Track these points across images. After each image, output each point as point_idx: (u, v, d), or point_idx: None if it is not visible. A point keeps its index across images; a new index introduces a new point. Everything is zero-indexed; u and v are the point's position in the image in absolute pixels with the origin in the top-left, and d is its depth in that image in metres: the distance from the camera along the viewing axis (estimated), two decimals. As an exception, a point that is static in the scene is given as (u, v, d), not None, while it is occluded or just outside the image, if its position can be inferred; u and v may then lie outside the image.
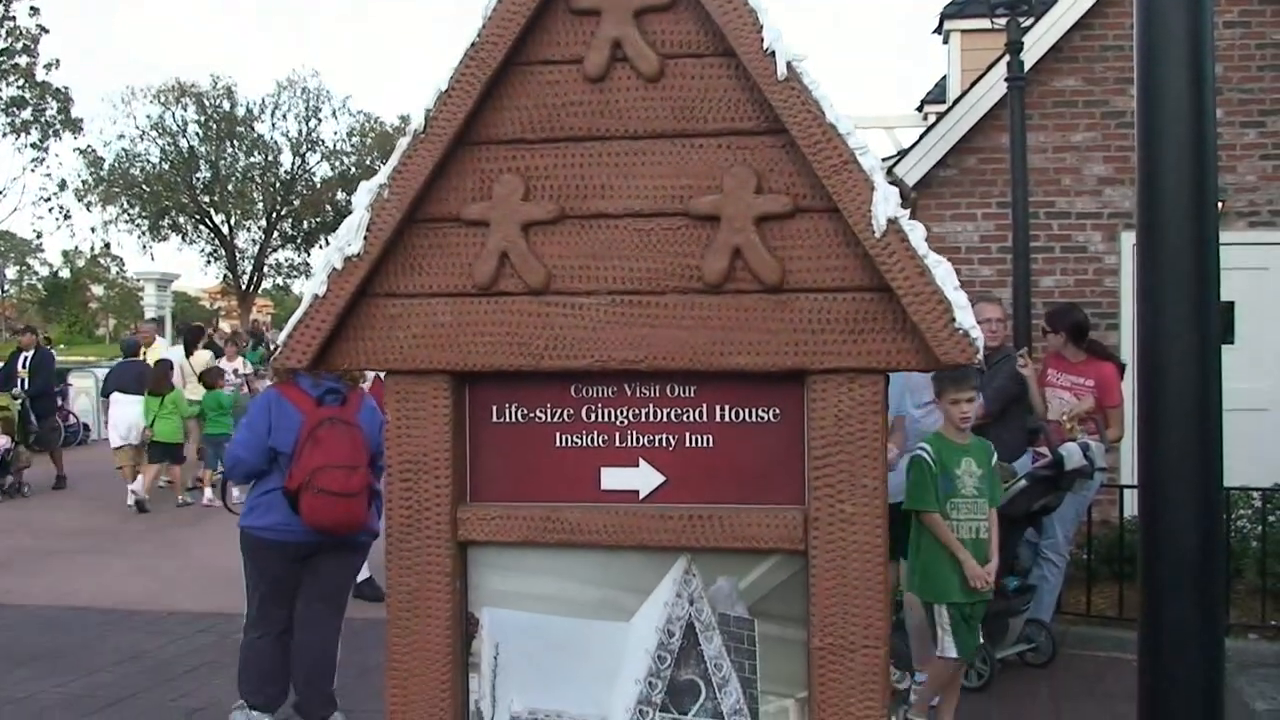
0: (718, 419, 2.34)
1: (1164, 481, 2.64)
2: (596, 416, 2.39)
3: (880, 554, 2.23)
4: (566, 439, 2.40)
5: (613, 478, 2.38)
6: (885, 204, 2.12)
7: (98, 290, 63.27)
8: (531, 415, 2.41)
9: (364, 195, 2.33)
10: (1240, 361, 9.56)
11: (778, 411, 2.32)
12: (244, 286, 45.38)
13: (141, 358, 16.28)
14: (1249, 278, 9.76)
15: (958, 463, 5.98)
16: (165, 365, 15.30)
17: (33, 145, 37.64)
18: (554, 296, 2.31)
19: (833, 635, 2.24)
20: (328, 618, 6.21)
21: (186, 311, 57.32)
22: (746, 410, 2.33)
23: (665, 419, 2.36)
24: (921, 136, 10.57)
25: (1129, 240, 9.89)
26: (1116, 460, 9.34)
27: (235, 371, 17.52)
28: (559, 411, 2.40)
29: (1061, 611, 8.30)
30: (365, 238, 2.32)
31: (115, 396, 14.94)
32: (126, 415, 14.76)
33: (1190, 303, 2.62)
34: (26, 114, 36.95)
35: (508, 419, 2.42)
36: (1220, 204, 9.33)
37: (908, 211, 2.18)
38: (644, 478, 2.36)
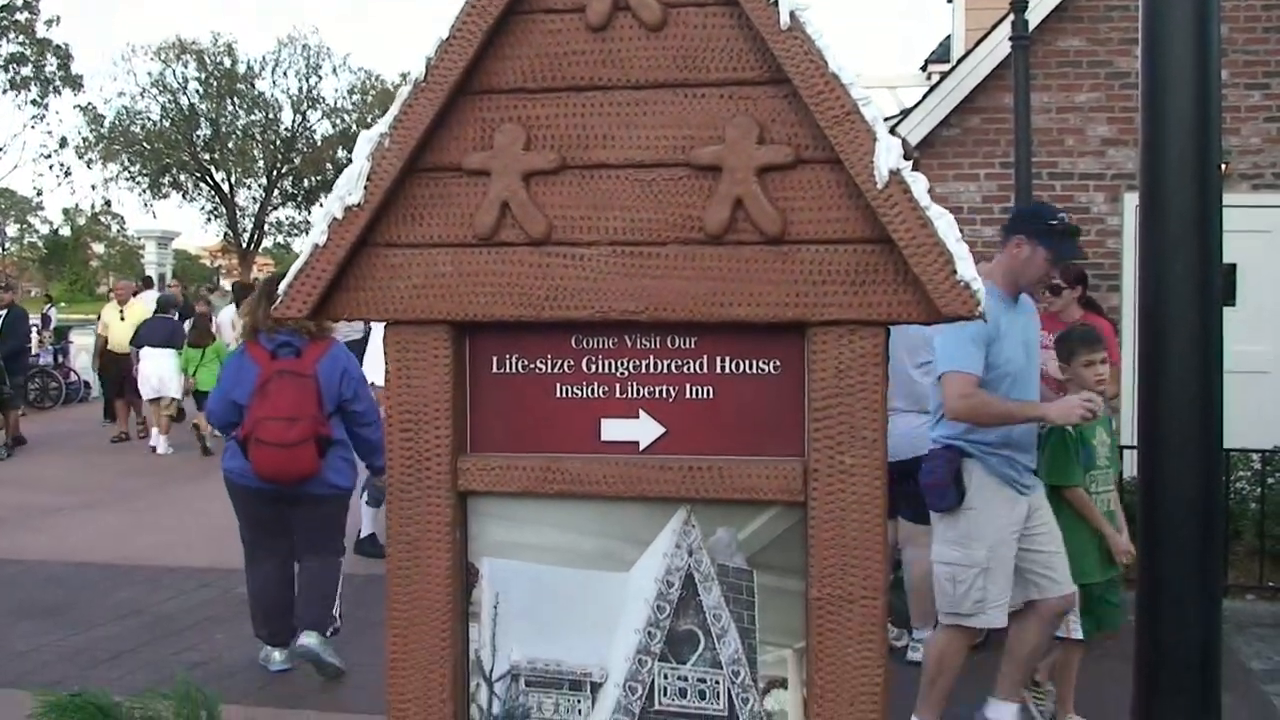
0: (718, 370, 2.34)
1: (1164, 443, 2.65)
2: (597, 367, 2.38)
3: (880, 506, 2.23)
4: (567, 390, 2.40)
5: (613, 429, 2.38)
6: (887, 155, 2.12)
7: (99, 248, 63.11)
8: (532, 366, 2.41)
9: (364, 144, 2.32)
10: (1241, 324, 9.55)
11: (778, 363, 2.31)
12: (245, 244, 45.28)
13: (121, 314, 16.81)
14: (1251, 240, 9.74)
15: (1094, 432, 5.60)
16: (205, 319, 16.31)
17: (33, 102, 37.51)
18: (555, 247, 2.30)
19: (831, 586, 2.24)
20: (319, 557, 6.55)
21: (188, 270, 57.20)
22: (747, 362, 2.33)
23: (665, 370, 2.36)
24: (925, 96, 10.52)
25: (1131, 201, 9.86)
26: (1116, 422, 9.35)
27: None
28: (559, 362, 2.40)
29: (1059, 570, 8.30)
30: (365, 187, 2.31)
31: (145, 351, 15.64)
32: (155, 369, 15.52)
33: (1192, 265, 2.61)
34: (26, 70, 36.82)
35: (508, 370, 2.42)
36: (1224, 166, 9.30)
37: (910, 164, 2.17)
38: (644, 429, 2.36)
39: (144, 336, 15.80)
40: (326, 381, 6.26)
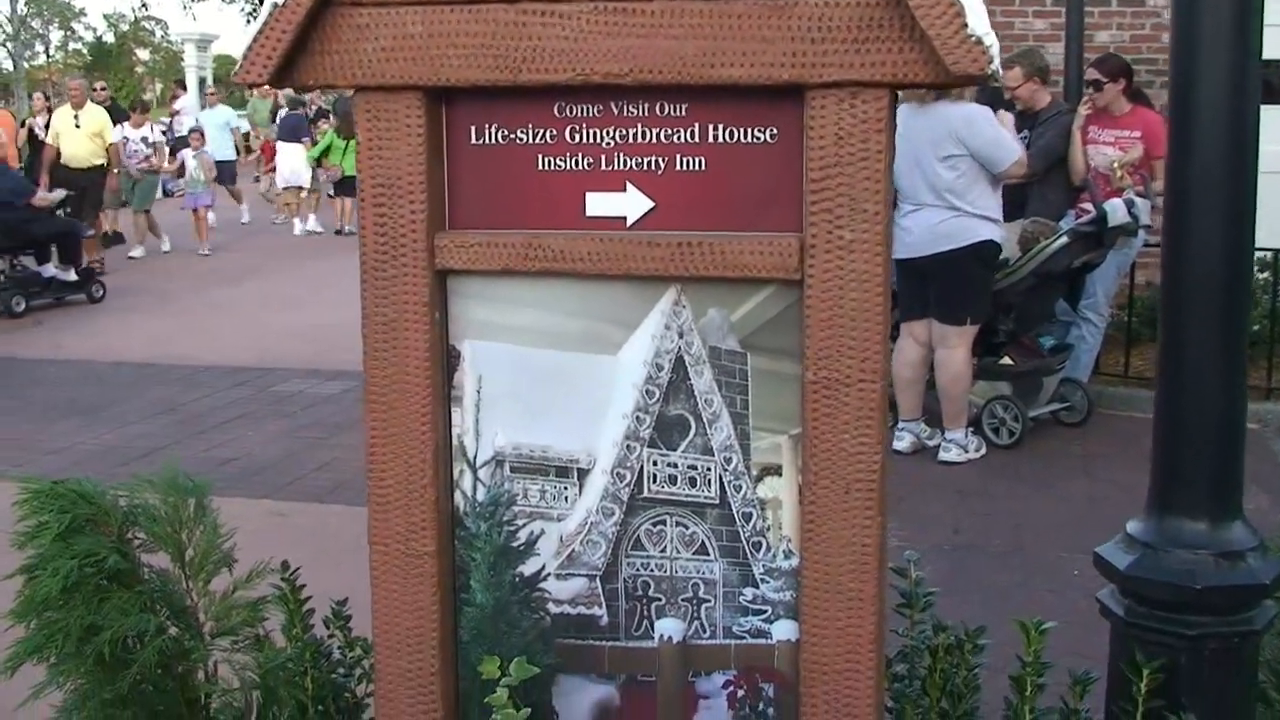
0: (710, 140, 2.17)
1: (1190, 238, 2.48)
2: (581, 138, 2.22)
3: (880, 284, 2.08)
4: (549, 162, 2.24)
5: (598, 203, 2.22)
6: (893, -107, 1.91)
7: (143, 55, 62.55)
8: (512, 136, 2.25)
9: (326, -109, 2.13)
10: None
11: (774, 132, 2.14)
12: (286, 48, 44.73)
13: (75, 120, 14.74)
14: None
15: None
16: (350, 114, 17.93)
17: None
18: (531, 4, 2.11)
19: (828, 369, 2.11)
20: None
21: (231, 73, 56.59)
22: (741, 130, 2.15)
23: (654, 140, 2.19)
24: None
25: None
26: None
27: (144, 140, 16.52)
28: (541, 132, 2.23)
29: (1099, 372, 8.20)
30: (327, -62, 2.13)
31: (279, 145, 18.69)
32: (287, 161, 18.34)
33: (1228, 56, 2.42)
34: None
35: (487, 140, 2.26)
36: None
37: (919, -96, 1.96)
38: (631, 203, 2.21)
39: (280, 132, 18.87)
40: None
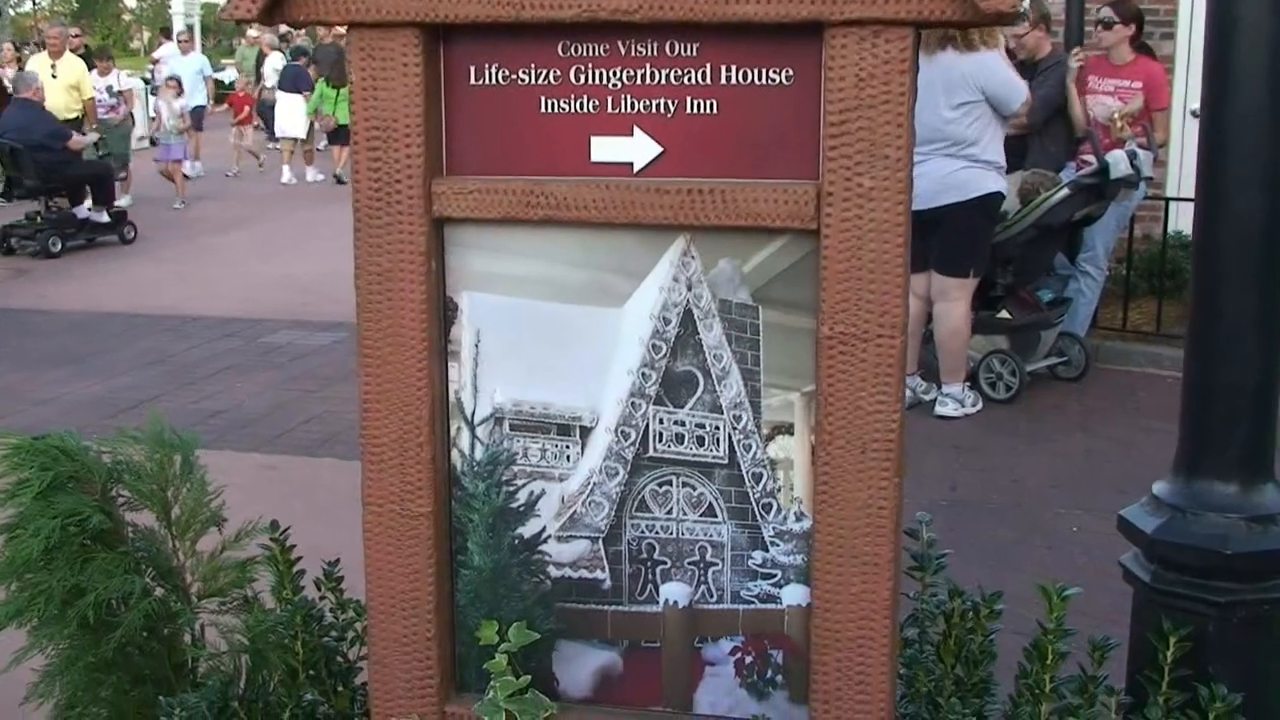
0: (723, 81, 2.06)
1: (1228, 188, 2.36)
2: (586, 79, 2.11)
3: (901, 234, 1.98)
4: (553, 104, 2.13)
5: (604, 148, 2.11)
6: None
7: (130, 2, 61.94)
8: (514, 77, 2.13)
9: None
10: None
11: (791, 73, 2.03)
12: (273, -5, 44.27)
13: (53, 70, 14.27)
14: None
15: None
16: (342, 62, 18.41)
17: None
18: (535, -65, 2.00)
19: (844, 323, 2.01)
20: None
21: (219, 23, 56.12)
22: (756, 71, 2.04)
23: (664, 81, 2.08)
24: None
25: (1194, -61, 9.25)
26: (1163, 175, 8.99)
27: (109, 89, 15.99)
28: (544, 73, 2.12)
29: (1097, 326, 8.12)
30: None
31: (279, 94, 18.73)
32: (283, 110, 18.50)
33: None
34: None
35: (487, 81, 2.14)
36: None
37: None
38: (639, 148, 2.10)
39: (281, 83, 18.81)
40: None
